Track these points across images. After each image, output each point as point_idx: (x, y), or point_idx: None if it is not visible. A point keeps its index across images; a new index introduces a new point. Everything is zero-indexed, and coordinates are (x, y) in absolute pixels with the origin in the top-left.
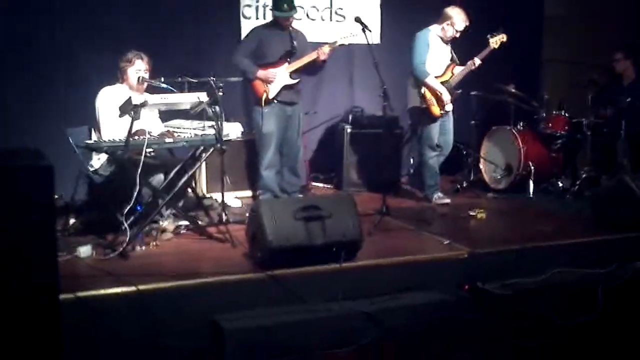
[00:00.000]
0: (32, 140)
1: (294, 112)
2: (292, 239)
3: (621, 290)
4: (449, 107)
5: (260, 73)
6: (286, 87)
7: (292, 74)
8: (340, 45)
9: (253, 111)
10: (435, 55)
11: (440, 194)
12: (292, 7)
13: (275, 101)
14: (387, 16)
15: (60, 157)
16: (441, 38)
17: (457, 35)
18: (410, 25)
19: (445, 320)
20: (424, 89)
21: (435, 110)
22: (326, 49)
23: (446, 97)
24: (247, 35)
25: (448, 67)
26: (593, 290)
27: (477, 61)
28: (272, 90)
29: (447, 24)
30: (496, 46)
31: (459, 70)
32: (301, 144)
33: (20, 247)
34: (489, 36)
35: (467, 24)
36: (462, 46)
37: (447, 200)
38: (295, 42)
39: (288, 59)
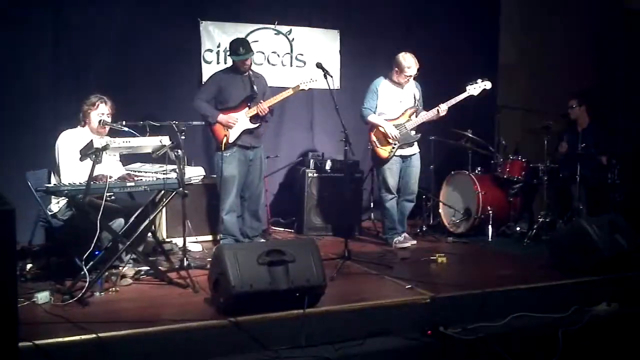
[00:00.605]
0: None
1: (255, 155)
2: (256, 284)
3: (580, 334)
4: (403, 150)
5: (221, 117)
6: (246, 132)
7: (252, 119)
8: (301, 90)
9: (214, 156)
10: (389, 100)
11: (400, 238)
12: (248, 50)
13: (236, 146)
14: (346, 62)
15: (17, 201)
16: (396, 83)
17: (408, 79)
18: (369, 71)
19: None
20: (371, 133)
21: (382, 152)
22: (268, 103)
23: (390, 130)
24: (207, 81)
25: (405, 111)
26: (553, 334)
27: (444, 108)
28: (233, 135)
29: (396, 70)
30: (475, 93)
31: (421, 115)
32: (263, 188)
33: None
34: (468, 83)
35: (414, 67)
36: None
37: (407, 244)
38: (255, 87)
39: (248, 104)
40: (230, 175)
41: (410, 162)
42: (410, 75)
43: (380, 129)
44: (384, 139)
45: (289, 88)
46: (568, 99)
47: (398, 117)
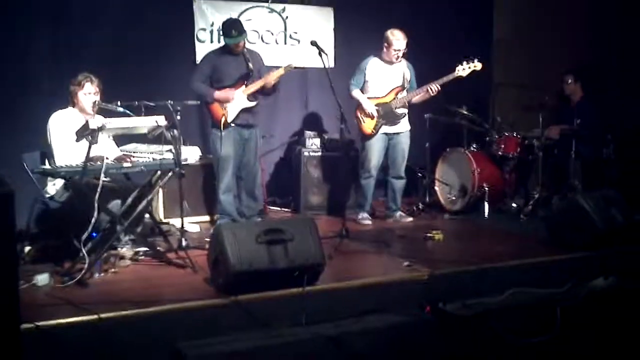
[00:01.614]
0: None
1: (251, 135)
2: (255, 263)
3: (577, 309)
4: (389, 127)
5: (218, 94)
6: (244, 110)
7: (250, 97)
8: (295, 67)
9: (211, 134)
10: (377, 78)
11: (363, 214)
12: (241, 32)
13: (233, 124)
14: (340, 40)
15: (15, 182)
16: (386, 61)
17: (398, 54)
18: (364, 50)
19: (409, 342)
20: (357, 109)
21: (366, 128)
22: (273, 76)
23: (367, 106)
24: (201, 61)
25: (393, 89)
26: (550, 309)
27: (434, 88)
28: (231, 114)
29: (385, 46)
30: (464, 74)
31: (409, 94)
32: (259, 167)
33: None
34: (458, 63)
35: (402, 41)
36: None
37: (368, 222)
38: (250, 64)
39: (245, 82)
40: (227, 154)
41: (397, 139)
42: (399, 50)
43: (363, 106)
44: (367, 115)
45: (280, 67)
46: (562, 74)
47: (384, 96)
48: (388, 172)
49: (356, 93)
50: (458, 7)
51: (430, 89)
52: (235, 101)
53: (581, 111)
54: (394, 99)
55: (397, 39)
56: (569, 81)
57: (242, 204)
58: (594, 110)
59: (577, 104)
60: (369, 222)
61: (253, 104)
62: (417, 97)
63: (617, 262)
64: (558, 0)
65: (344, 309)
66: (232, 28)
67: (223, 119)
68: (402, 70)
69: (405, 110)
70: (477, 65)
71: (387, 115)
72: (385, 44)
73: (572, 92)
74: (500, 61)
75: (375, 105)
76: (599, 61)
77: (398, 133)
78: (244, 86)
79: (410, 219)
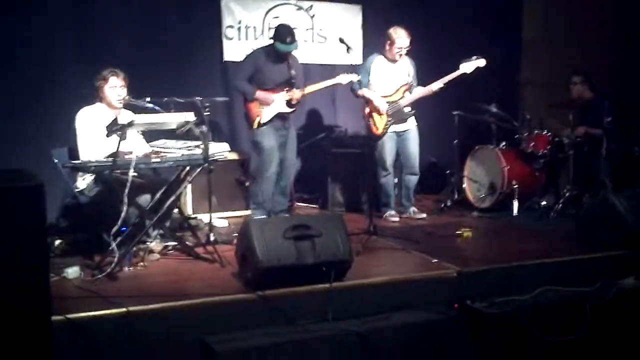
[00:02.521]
0: (17, 162)
1: (287, 135)
2: (283, 258)
3: (606, 308)
4: (397, 125)
5: (259, 94)
6: (279, 115)
7: (288, 103)
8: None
9: (251, 134)
10: (383, 76)
11: (391, 212)
12: (294, 41)
13: (268, 124)
14: (368, 38)
15: (43, 179)
16: (391, 59)
17: (401, 52)
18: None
19: (437, 339)
20: (365, 109)
21: (375, 128)
22: (298, 95)
23: (377, 102)
24: (245, 59)
25: (399, 88)
26: (580, 308)
27: (437, 86)
28: (265, 116)
29: (388, 44)
30: (468, 71)
31: (415, 91)
32: (296, 164)
33: (13, 267)
34: (463, 61)
35: (404, 38)
36: (436, 69)
37: (397, 218)
38: (293, 72)
39: (286, 88)
40: (271, 147)
41: (407, 135)
42: (402, 47)
43: (371, 102)
44: (377, 114)
45: (309, 64)
46: (571, 74)
47: (392, 94)
48: (401, 169)
49: (362, 91)
50: (485, 6)
51: (433, 87)
52: (274, 105)
53: (596, 109)
54: (402, 97)
55: (400, 36)
56: (577, 82)
57: (272, 199)
58: (609, 107)
59: (591, 103)
60: (396, 219)
61: (290, 110)
62: (422, 94)
63: None
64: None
65: (370, 306)
66: (288, 35)
67: (257, 119)
68: (407, 68)
69: (414, 110)
70: (481, 62)
71: (396, 113)
72: (388, 42)
73: (578, 93)
74: (529, 59)
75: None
76: (631, 58)
77: (406, 130)
78: (284, 92)
79: (424, 215)
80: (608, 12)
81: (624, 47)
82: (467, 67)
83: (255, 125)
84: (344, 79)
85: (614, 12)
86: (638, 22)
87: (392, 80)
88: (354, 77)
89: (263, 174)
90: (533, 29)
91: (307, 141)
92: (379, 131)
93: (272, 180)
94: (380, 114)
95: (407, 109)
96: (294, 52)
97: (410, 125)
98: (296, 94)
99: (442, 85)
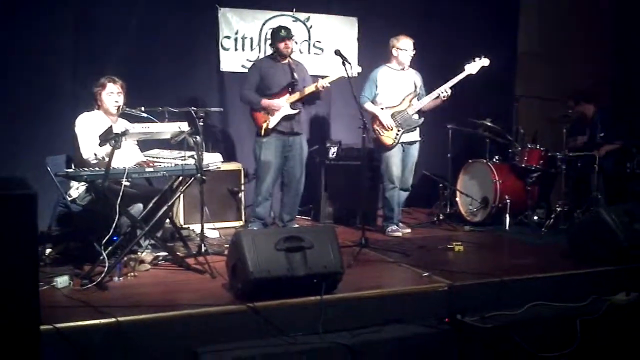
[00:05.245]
0: (13, 168)
1: (294, 141)
2: (274, 270)
3: (597, 324)
4: (406, 135)
5: (265, 102)
6: (286, 118)
7: (292, 105)
8: (339, 77)
9: (254, 142)
10: (389, 86)
11: (393, 227)
12: (289, 32)
13: (275, 132)
14: (364, 50)
15: (36, 186)
16: (396, 69)
17: (407, 54)
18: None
19: (427, 353)
20: (373, 123)
21: (386, 139)
22: (325, 81)
23: (384, 119)
24: (249, 70)
25: (406, 97)
26: (571, 323)
27: (445, 88)
28: (273, 120)
29: (394, 50)
30: (474, 71)
31: (423, 99)
32: (303, 174)
33: (1, 276)
34: (467, 62)
35: (408, 42)
36: (429, 84)
37: (399, 233)
38: (295, 74)
39: (289, 90)
40: (266, 160)
41: (409, 150)
42: (407, 49)
43: (377, 118)
44: (385, 127)
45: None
46: (567, 100)
47: (399, 104)
48: None
49: (369, 106)
50: (483, 18)
51: (441, 92)
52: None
53: (596, 123)
54: (410, 105)
55: (402, 39)
56: (572, 105)
57: (283, 210)
58: (609, 120)
59: (596, 119)
60: (398, 234)
61: (295, 111)
62: (430, 103)
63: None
64: (584, 14)
65: (361, 319)
66: (280, 29)
67: (265, 125)
68: (412, 77)
69: (422, 118)
70: (485, 61)
71: (405, 122)
72: (393, 49)
73: (580, 113)
74: (524, 73)
75: (392, 113)
76: (622, 75)
77: (411, 143)
78: (287, 94)
79: (409, 230)
80: (603, 27)
81: (619, 61)
82: (472, 67)
83: (263, 131)
84: (340, 73)
85: (609, 26)
86: (633, 36)
87: (399, 89)
88: (355, 69)
89: (257, 187)
90: (528, 43)
91: None
92: (391, 142)
93: (266, 193)
94: (387, 129)
95: (415, 117)
96: (297, 58)
97: (416, 137)
98: (297, 95)
99: (448, 88)
